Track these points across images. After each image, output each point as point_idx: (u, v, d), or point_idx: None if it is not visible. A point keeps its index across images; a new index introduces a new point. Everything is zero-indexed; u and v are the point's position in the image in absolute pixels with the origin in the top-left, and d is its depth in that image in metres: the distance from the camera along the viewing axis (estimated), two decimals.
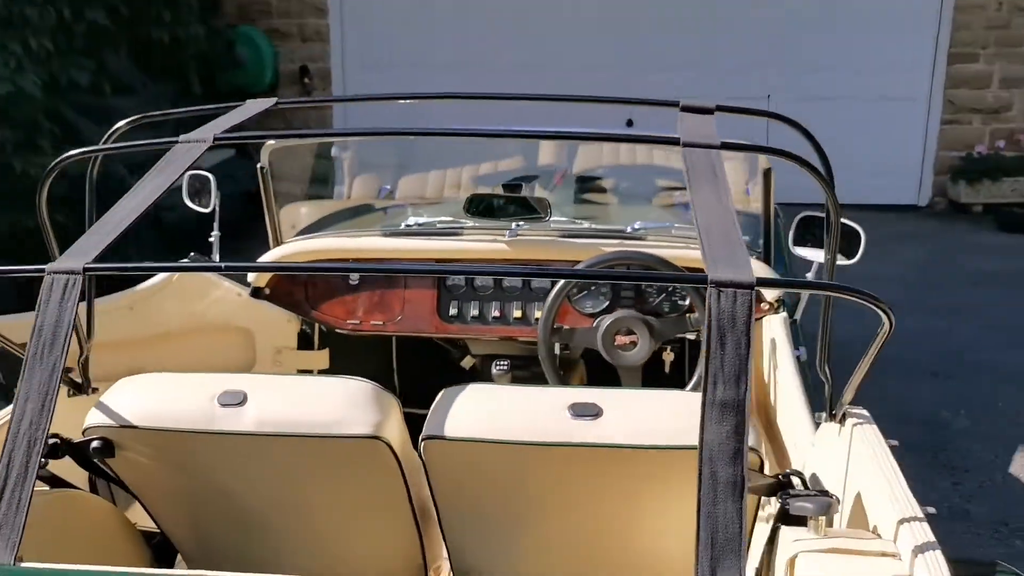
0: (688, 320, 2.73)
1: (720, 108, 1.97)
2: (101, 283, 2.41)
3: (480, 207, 2.85)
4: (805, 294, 2.92)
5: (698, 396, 1.74)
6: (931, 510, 1.61)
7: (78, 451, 1.86)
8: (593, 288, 2.86)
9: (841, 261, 2.81)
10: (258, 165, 2.91)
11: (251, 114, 2.03)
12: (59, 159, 1.92)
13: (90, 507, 2.04)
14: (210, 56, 7.53)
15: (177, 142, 1.85)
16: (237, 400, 1.82)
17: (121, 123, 2.23)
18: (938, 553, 1.43)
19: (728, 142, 1.73)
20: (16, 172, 5.20)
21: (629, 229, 2.98)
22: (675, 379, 2.82)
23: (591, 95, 2.19)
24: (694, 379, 2.61)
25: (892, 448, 1.83)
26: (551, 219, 2.93)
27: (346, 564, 2.08)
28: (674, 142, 1.73)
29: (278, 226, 3.05)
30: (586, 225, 3.01)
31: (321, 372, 3.23)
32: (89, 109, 5.98)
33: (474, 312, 2.91)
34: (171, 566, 2.23)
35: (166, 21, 6.82)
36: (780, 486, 1.68)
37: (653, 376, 2.85)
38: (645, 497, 1.79)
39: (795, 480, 1.71)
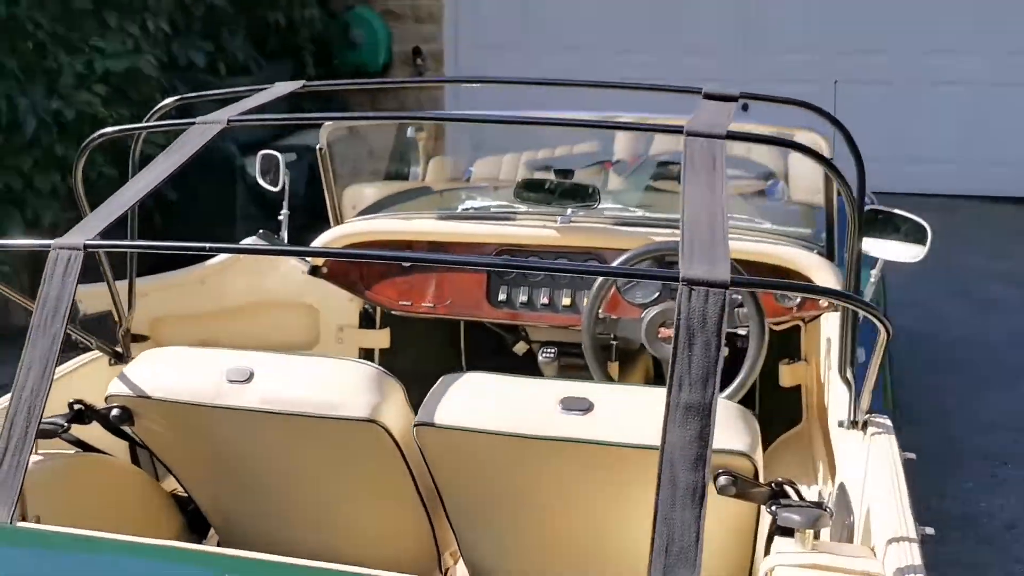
0: (736, 315, 2.64)
1: (744, 95, 1.89)
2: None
3: (531, 192, 2.82)
4: (869, 290, 2.78)
5: None
6: (929, 531, 1.51)
7: (104, 418, 1.96)
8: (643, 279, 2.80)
9: (911, 259, 2.67)
10: (316, 146, 2.98)
11: (275, 96, 2.07)
12: (93, 136, 2.01)
13: (119, 472, 2.14)
14: (326, 38, 7.73)
15: (195, 123, 1.90)
16: (244, 377, 1.87)
17: (168, 100, 2.31)
18: None
19: (734, 132, 1.66)
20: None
21: None
22: (725, 377, 2.72)
23: (625, 82, 2.14)
24: (735, 382, 2.52)
25: (908, 462, 1.73)
26: (605, 206, 2.89)
27: (359, 545, 2.12)
28: (677, 130, 1.67)
29: (337, 206, 3.11)
30: (641, 213, 2.94)
31: (382, 352, 3.29)
32: (207, 88, 6.24)
33: (523, 298, 2.89)
34: (204, 534, 2.32)
35: (282, 4, 7.03)
36: (772, 495, 1.61)
37: None
38: (636, 495, 1.75)
39: (791, 490, 1.63)
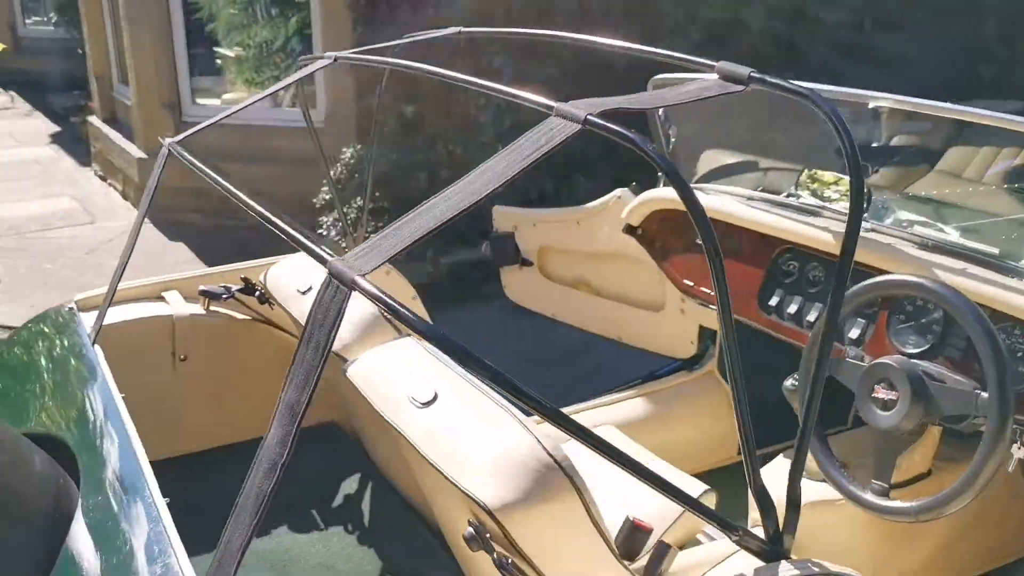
0: (974, 400, 1.86)
1: (753, 79, 1.40)
2: None
3: (806, 188, 2.33)
4: None
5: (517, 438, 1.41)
6: None
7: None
8: (923, 321, 2.12)
9: None
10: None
11: (432, 37, 2.14)
12: (304, 57, 2.35)
13: (278, 340, 2.50)
14: None
15: (316, 58, 2.11)
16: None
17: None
18: None
19: (593, 120, 1.28)
20: None
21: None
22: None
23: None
24: (948, 489, 1.84)
25: None
26: (913, 217, 2.23)
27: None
28: (548, 107, 1.36)
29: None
30: (953, 237, 2.18)
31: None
32: (832, 43, 5.96)
33: (792, 308, 2.43)
34: None
35: None
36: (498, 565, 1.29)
37: None
38: (445, 512, 1.54)
39: None
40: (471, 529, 1.34)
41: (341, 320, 1.16)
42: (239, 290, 2.40)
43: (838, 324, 2.13)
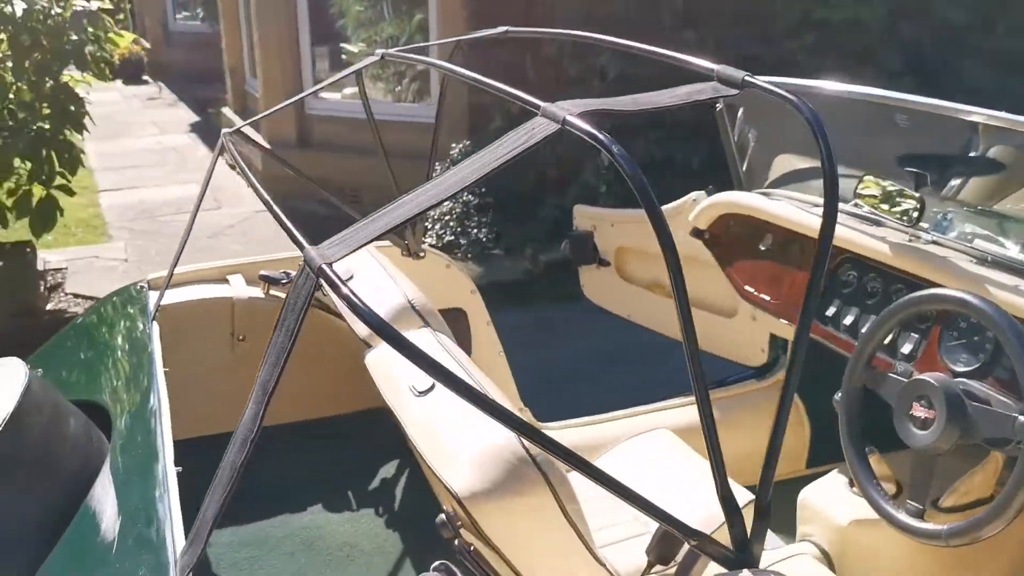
0: (1012, 423, 1.77)
1: (747, 83, 1.39)
2: None
3: (864, 195, 2.26)
4: None
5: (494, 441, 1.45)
6: None
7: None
8: (976, 339, 2.03)
9: None
10: (716, 106, 2.80)
11: (477, 37, 2.17)
12: (369, 55, 2.42)
13: (326, 324, 2.57)
14: None
15: (376, 54, 2.17)
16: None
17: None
18: None
19: (571, 121, 1.30)
20: None
21: None
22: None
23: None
24: (981, 513, 1.77)
25: None
26: (975, 230, 2.13)
27: None
28: (535, 106, 1.38)
29: (739, 171, 2.88)
30: (1013, 252, 2.06)
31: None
32: (948, 40, 5.66)
33: (848, 320, 2.36)
34: None
35: None
36: (459, 552, 1.33)
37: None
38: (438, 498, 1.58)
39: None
40: (443, 516, 1.38)
41: (309, 305, 1.22)
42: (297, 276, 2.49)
43: (869, 335, 2.06)
